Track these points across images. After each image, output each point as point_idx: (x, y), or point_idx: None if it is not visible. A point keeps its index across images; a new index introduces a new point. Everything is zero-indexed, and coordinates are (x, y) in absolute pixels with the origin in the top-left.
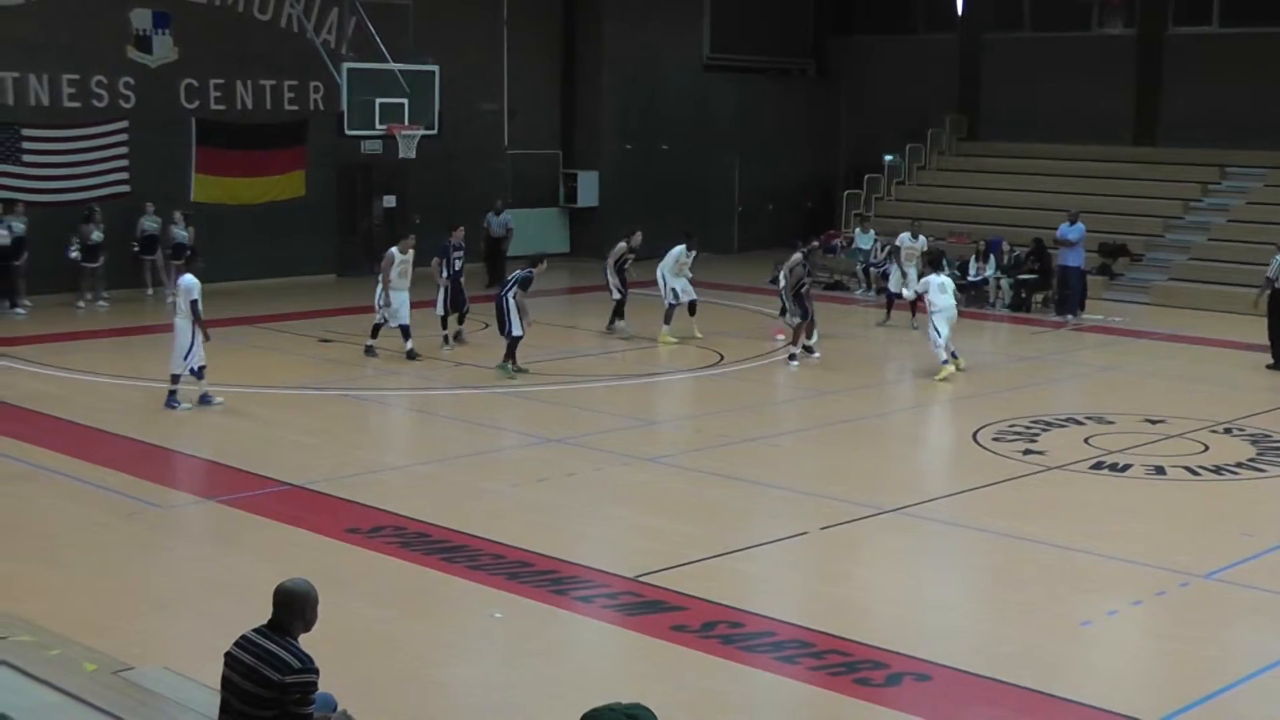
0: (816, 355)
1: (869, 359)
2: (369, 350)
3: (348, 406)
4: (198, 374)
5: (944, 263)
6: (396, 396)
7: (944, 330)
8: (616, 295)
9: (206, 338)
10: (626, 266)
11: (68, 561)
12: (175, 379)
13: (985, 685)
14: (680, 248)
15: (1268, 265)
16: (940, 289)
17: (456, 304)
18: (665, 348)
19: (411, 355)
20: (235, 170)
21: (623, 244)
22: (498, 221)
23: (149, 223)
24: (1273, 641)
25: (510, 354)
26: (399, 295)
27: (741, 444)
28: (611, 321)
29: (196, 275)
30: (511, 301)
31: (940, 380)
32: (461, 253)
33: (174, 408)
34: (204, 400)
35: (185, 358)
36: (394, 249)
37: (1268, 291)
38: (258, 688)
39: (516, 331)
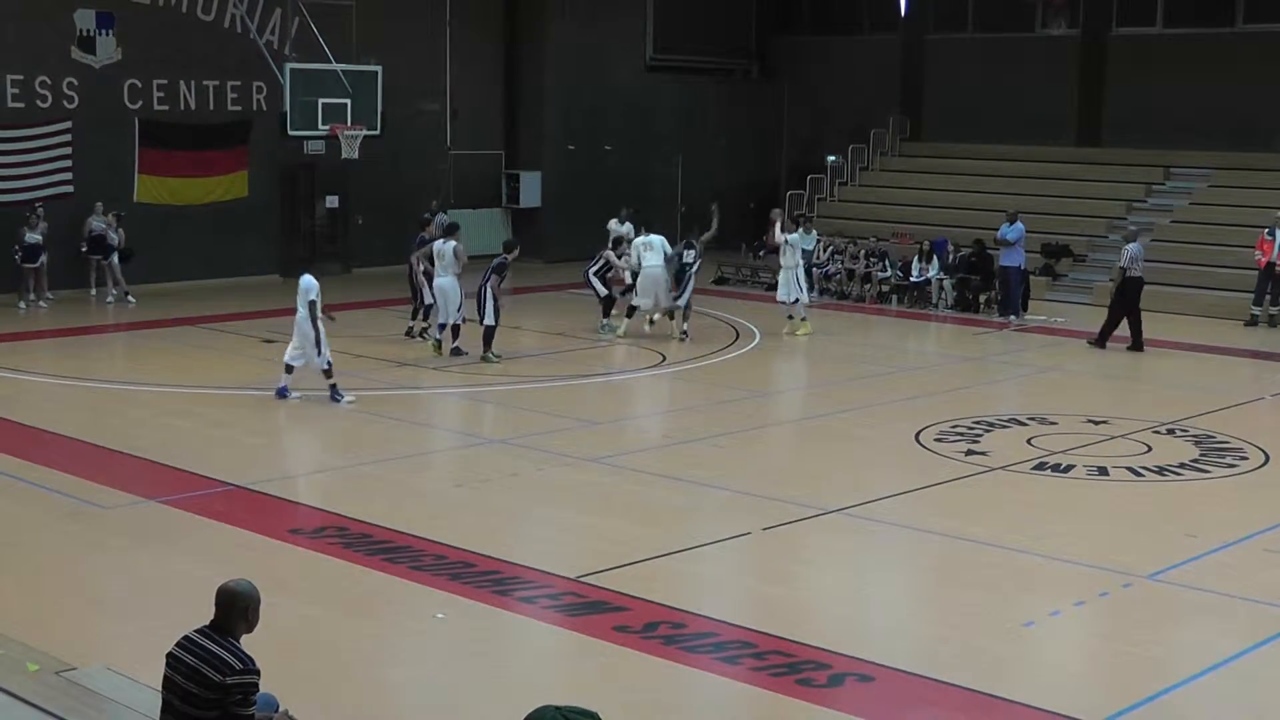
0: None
1: (811, 359)
2: (458, 351)
3: (291, 407)
4: (328, 371)
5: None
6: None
7: (803, 285)
8: (604, 292)
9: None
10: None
11: (10, 561)
12: (289, 370)
13: (928, 686)
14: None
15: (1119, 255)
16: (793, 246)
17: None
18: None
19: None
20: (178, 170)
21: (609, 252)
22: (435, 222)
23: (97, 223)
24: (1216, 642)
25: (488, 343)
26: None
27: (684, 444)
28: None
29: (315, 276)
30: (489, 290)
31: (802, 335)
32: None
33: (285, 397)
34: (334, 397)
35: (319, 353)
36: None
37: (1119, 280)
38: (200, 688)
39: (489, 320)
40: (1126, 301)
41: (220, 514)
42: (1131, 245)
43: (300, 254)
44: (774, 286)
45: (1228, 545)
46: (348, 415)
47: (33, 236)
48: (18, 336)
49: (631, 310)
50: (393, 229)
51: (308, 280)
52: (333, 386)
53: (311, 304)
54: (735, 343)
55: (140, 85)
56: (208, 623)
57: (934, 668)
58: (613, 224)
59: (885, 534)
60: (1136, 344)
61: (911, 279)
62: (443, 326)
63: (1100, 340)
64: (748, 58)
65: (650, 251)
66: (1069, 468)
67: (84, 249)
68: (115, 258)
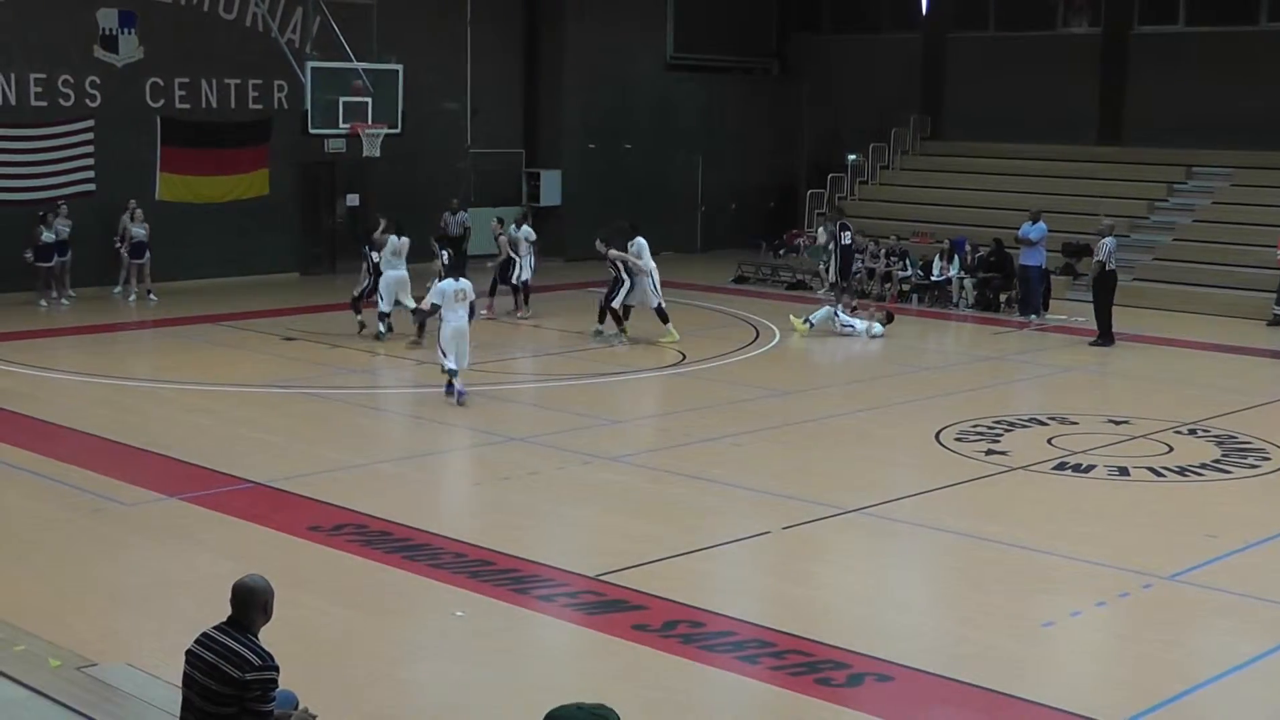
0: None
1: (830, 358)
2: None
3: (311, 405)
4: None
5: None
6: (359, 395)
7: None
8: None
9: None
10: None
11: (32, 558)
12: (454, 373)
13: (947, 686)
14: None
15: (1096, 250)
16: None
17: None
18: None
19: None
20: (200, 169)
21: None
22: (455, 220)
23: (137, 229)
24: (1236, 644)
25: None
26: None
27: (704, 443)
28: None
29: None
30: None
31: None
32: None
33: (463, 399)
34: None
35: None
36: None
37: (1097, 274)
38: (219, 685)
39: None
40: (1105, 295)
41: (240, 511)
42: (1108, 240)
43: (452, 259)
44: (794, 285)
45: (1249, 546)
46: (368, 414)
47: (47, 236)
48: (40, 333)
49: (628, 311)
50: (413, 227)
51: (467, 282)
52: (451, 383)
53: (472, 304)
54: (755, 341)
55: (162, 84)
56: (226, 619)
57: (953, 668)
58: (527, 230)
59: (905, 534)
60: (1105, 338)
61: (932, 278)
62: (384, 315)
63: (1103, 338)
64: (768, 56)
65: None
66: (1090, 468)
67: (117, 245)
68: (147, 255)
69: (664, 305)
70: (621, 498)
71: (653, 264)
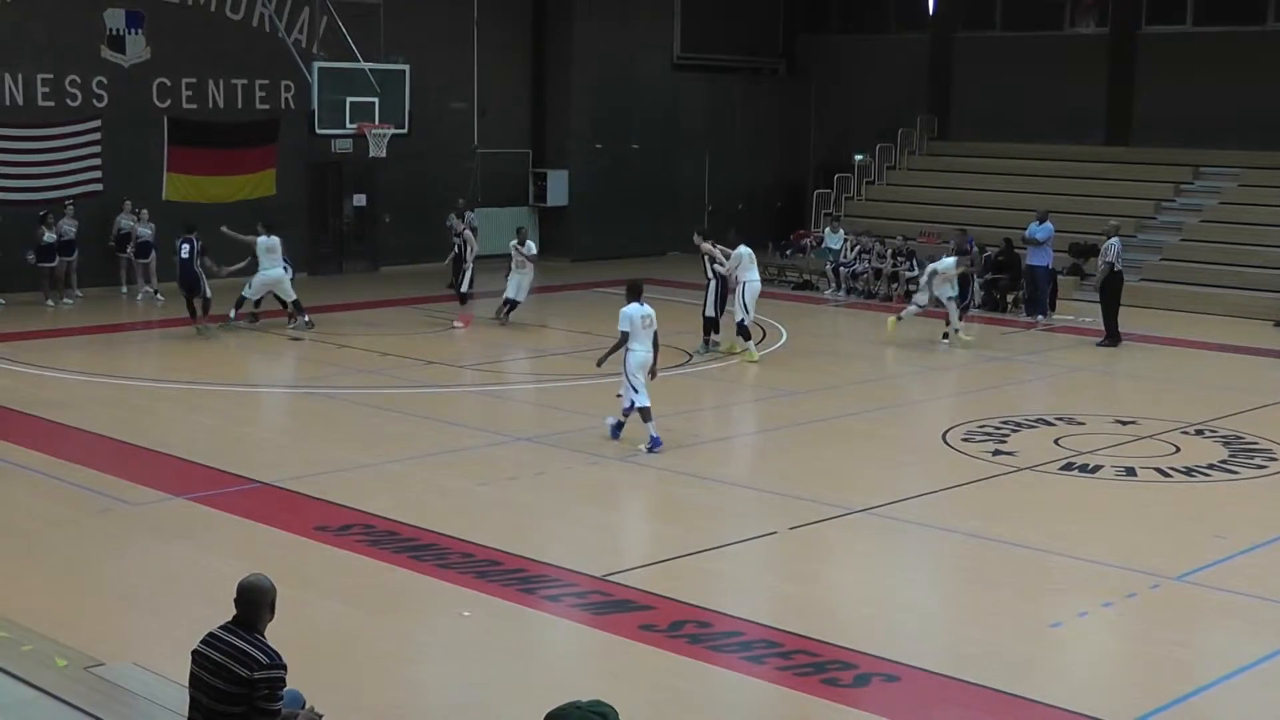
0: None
1: (837, 359)
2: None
3: (317, 404)
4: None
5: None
6: (366, 395)
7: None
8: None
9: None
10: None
11: (39, 557)
12: (625, 413)
13: (954, 686)
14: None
15: (1103, 252)
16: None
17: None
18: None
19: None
20: (207, 169)
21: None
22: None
23: (125, 220)
24: (1243, 644)
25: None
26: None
27: (710, 443)
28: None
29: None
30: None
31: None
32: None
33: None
34: (619, 429)
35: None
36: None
37: (1106, 274)
38: (226, 684)
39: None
40: (1114, 296)
41: (247, 511)
42: (1114, 240)
43: (637, 281)
44: (800, 285)
45: (1256, 547)
46: (374, 414)
47: (49, 237)
48: (46, 334)
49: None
50: (420, 227)
51: (650, 309)
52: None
53: (656, 333)
54: (762, 341)
55: (169, 84)
56: (232, 618)
57: (960, 668)
58: (530, 245)
59: (912, 534)
60: (1112, 339)
61: None
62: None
63: (1111, 338)
64: (775, 56)
65: (755, 265)
66: (1097, 468)
67: (113, 245)
68: (153, 255)
69: (747, 322)
70: (628, 498)
71: (755, 276)
